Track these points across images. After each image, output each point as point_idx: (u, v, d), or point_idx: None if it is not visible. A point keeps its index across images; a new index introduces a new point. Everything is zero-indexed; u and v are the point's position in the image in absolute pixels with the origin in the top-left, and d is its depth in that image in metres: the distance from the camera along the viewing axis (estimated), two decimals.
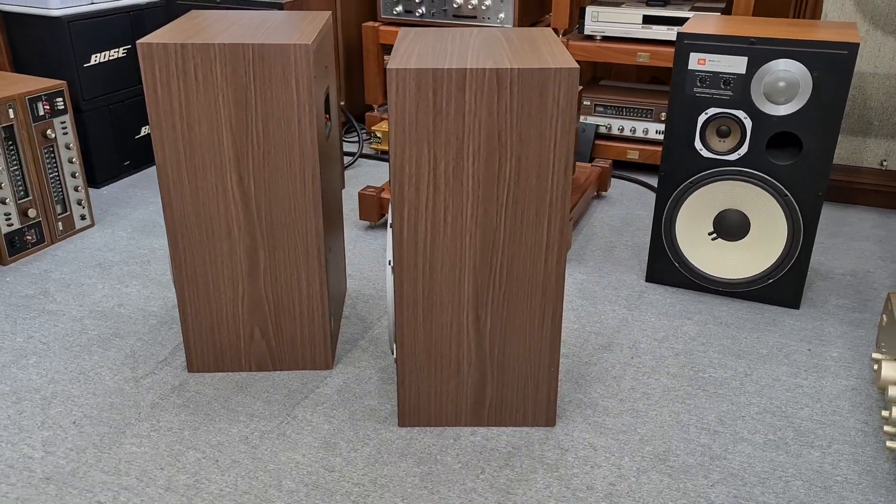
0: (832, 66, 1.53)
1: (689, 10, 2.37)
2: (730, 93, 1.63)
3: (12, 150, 1.89)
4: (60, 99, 1.99)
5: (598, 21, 2.43)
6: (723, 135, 1.68)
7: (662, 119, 2.46)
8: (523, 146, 1.16)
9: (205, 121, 1.31)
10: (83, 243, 2.05)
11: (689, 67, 1.64)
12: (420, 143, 1.16)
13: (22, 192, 1.94)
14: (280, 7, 2.02)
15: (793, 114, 1.59)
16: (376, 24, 2.67)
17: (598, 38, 2.45)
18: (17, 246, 1.94)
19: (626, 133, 2.52)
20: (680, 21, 2.33)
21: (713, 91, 1.64)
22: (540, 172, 1.18)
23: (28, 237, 1.97)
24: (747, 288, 1.76)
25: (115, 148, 2.46)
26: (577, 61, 2.66)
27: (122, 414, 1.40)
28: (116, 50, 2.40)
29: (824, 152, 1.60)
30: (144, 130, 2.56)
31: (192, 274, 1.43)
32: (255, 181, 1.36)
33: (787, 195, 1.65)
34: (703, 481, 1.25)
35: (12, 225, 1.92)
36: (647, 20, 2.37)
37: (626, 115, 2.51)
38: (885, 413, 1.31)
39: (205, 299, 1.45)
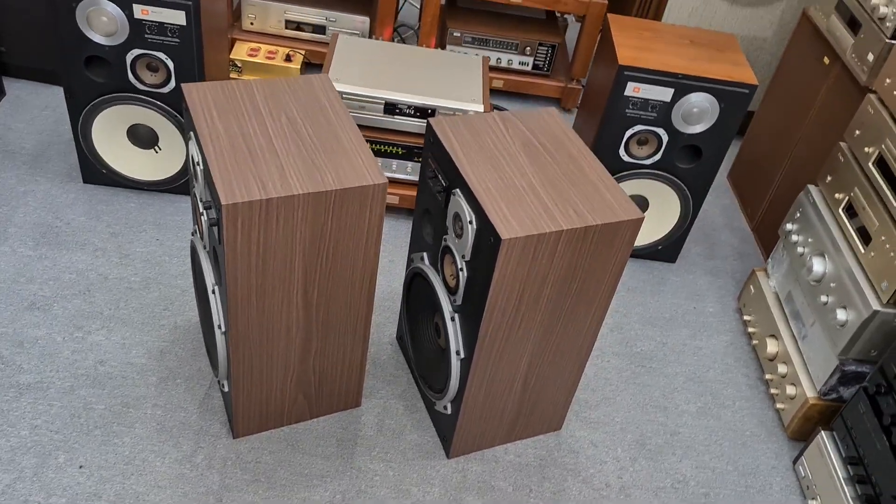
0: (736, 100, 1.89)
1: None
2: (654, 114, 1.92)
3: None
4: None
5: None
6: (641, 143, 2.00)
7: (527, 52, 2.66)
8: (589, 273, 1.40)
9: (280, 255, 1.33)
10: None
11: (626, 94, 1.89)
12: (513, 286, 1.34)
13: None
14: (195, 1, 1.78)
15: (700, 132, 1.95)
16: None
17: None
18: None
19: (491, 63, 2.68)
20: None
21: (641, 112, 1.92)
22: (596, 287, 1.43)
23: None
24: (646, 251, 2.20)
25: None
26: None
27: None
28: None
29: (718, 157, 2.00)
30: None
31: (248, 368, 1.49)
32: (318, 292, 1.42)
33: (683, 188, 2.06)
34: (672, 458, 1.75)
35: None
36: None
37: (493, 47, 2.65)
38: (768, 376, 1.90)
39: (257, 384, 1.53)
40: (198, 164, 1.36)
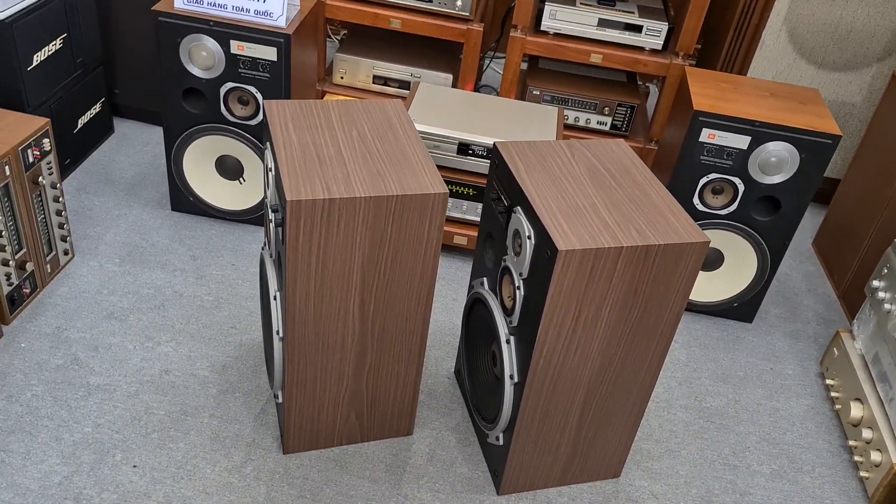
0: (818, 151, 1.84)
1: (638, 17, 2.54)
2: (730, 162, 1.89)
3: (7, 206, 1.72)
4: (47, 140, 1.80)
5: (556, 19, 2.54)
6: (716, 192, 1.96)
7: (605, 112, 2.68)
8: (651, 299, 1.36)
9: (339, 260, 1.35)
10: (76, 284, 1.94)
11: (700, 140, 1.87)
12: (570, 303, 1.31)
13: (17, 247, 1.78)
14: (287, 38, 1.91)
15: (779, 183, 1.90)
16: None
17: (552, 34, 2.56)
18: (15, 302, 1.81)
19: (570, 122, 2.71)
20: (633, 27, 2.50)
21: (716, 160, 1.89)
22: (659, 315, 1.39)
23: (24, 289, 1.84)
24: (720, 308, 2.12)
25: (57, 147, 2.24)
26: (534, 56, 2.72)
27: None
28: (54, 43, 2.13)
29: (798, 211, 1.93)
30: (81, 122, 2.34)
31: (303, 378, 1.50)
32: (375, 302, 1.44)
33: (761, 242, 1.99)
34: None
35: (12, 283, 1.79)
36: (602, 23, 2.52)
37: (572, 106, 2.69)
38: (851, 442, 1.76)
39: (310, 396, 1.53)
40: (270, 170, 1.42)
